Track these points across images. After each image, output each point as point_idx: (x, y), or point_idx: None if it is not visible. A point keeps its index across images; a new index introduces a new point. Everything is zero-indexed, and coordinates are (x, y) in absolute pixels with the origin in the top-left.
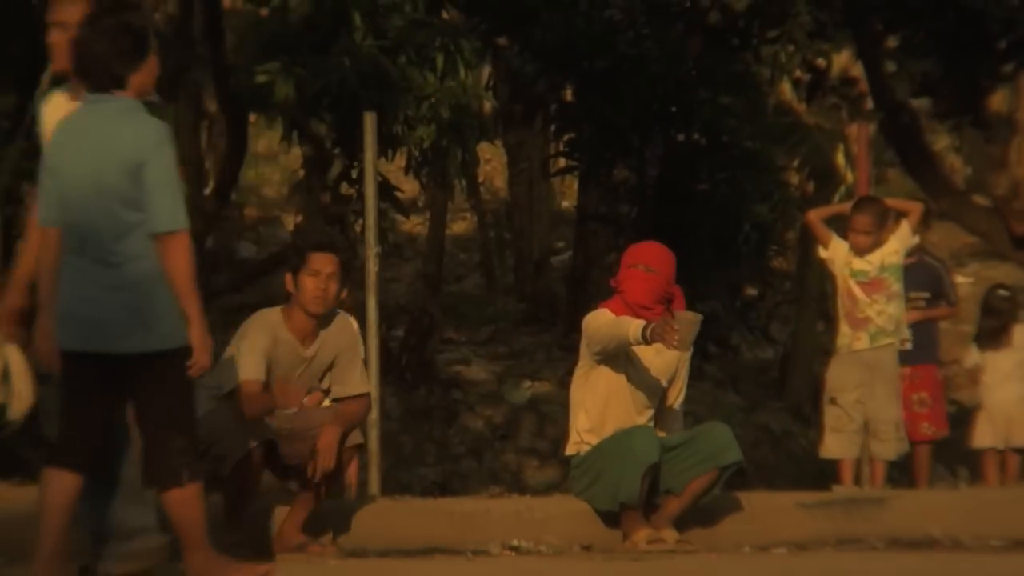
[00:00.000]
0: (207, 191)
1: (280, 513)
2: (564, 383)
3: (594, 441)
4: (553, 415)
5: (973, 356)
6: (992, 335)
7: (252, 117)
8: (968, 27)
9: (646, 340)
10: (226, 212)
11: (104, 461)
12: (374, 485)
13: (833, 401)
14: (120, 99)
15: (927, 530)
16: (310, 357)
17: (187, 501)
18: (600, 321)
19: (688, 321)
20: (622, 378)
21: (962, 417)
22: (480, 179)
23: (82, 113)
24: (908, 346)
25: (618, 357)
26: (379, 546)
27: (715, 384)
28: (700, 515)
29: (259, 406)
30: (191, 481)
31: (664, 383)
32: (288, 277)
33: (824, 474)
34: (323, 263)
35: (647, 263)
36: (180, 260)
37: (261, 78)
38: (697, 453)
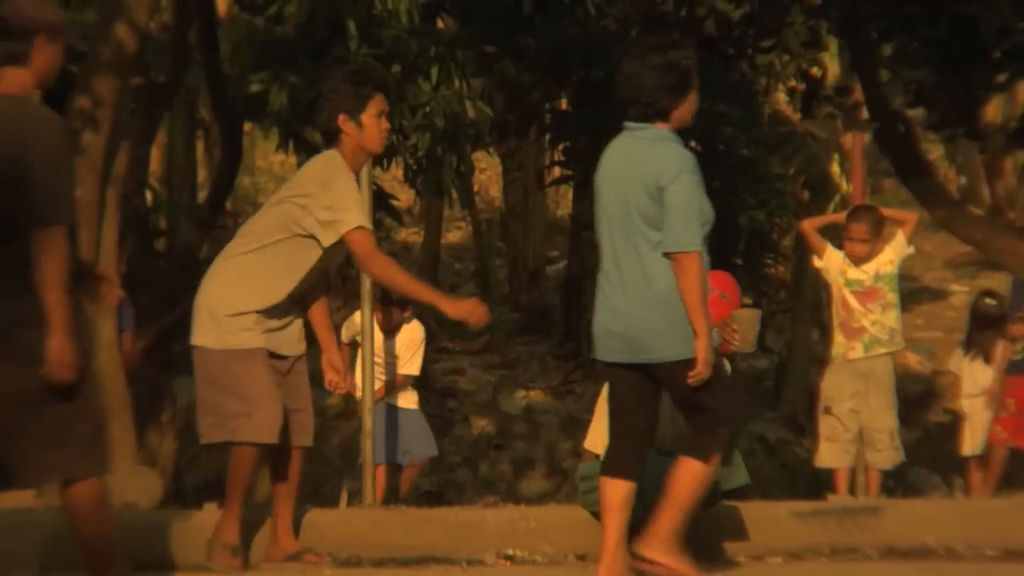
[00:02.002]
0: (201, 200)
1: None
2: (559, 393)
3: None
4: (548, 424)
5: (954, 364)
6: (978, 344)
7: (247, 126)
8: (962, 36)
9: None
10: (221, 221)
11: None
12: (369, 494)
13: (828, 410)
14: (657, 129)
15: (922, 539)
16: None
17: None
18: None
19: (747, 319)
20: None
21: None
22: (475, 188)
23: (623, 139)
24: (1018, 357)
25: None
26: (374, 555)
27: None
28: (695, 525)
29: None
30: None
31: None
32: (341, 117)
33: (819, 483)
34: (384, 103)
35: (722, 290)
36: (691, 279)
37: (256, 87)
38: None
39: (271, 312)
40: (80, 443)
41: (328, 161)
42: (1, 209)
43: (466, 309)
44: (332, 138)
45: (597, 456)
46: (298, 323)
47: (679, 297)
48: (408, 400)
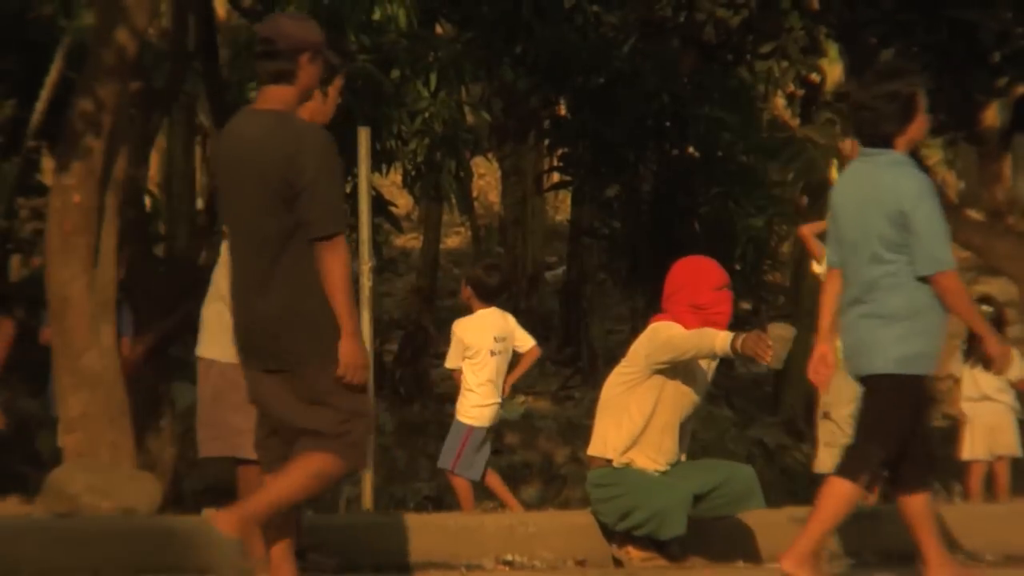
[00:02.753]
0: (200, 206)
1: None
2: (558, 398)
3: (630, 448)
4: (547, 430)
5: (954, 369)
6: (977, 349)
7: None
8: (961, 41)
9: (736, 352)
10: (219, 227)
11: None
12: (368, 500)
13: (827, 416)
14: (892, 154)
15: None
16: None
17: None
18: (676, 331)
19: (782, 337)
20: (676, 384)
21: (956, 430)
22: (474, 194)
23: (857, 165)
24: None
25: (678, 367)
26: (373, 561)
27: (709, 399)
28: (694, 530)
29: None
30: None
31: (705, 389)
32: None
33: (818, 489)
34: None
35: (728, 282)
36: (956, 295)
37: (255, 93)
38: (722, 496)
39: None
40: (353, 438)
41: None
42: (270, 220)
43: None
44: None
45: (608, 461)
46: None
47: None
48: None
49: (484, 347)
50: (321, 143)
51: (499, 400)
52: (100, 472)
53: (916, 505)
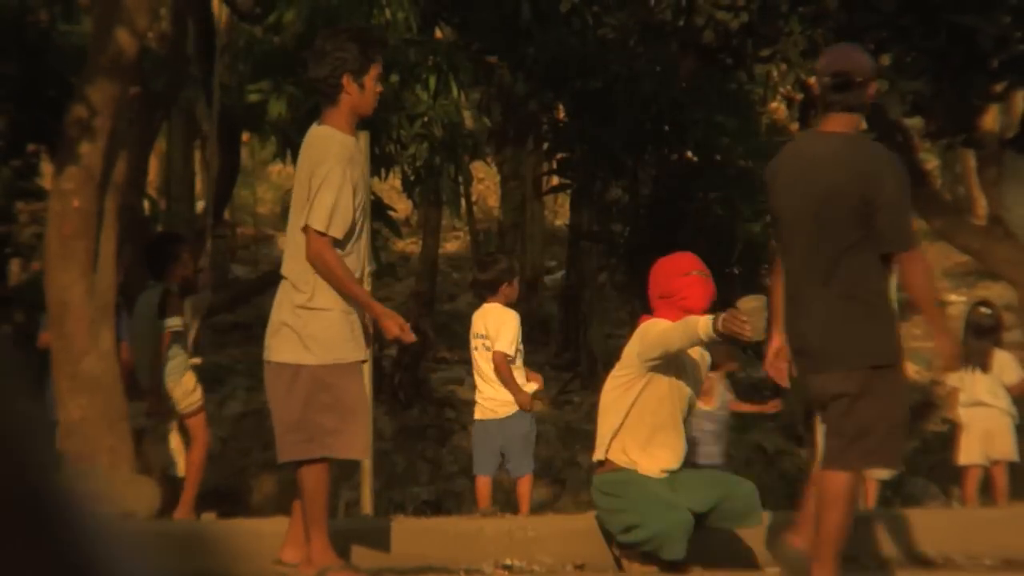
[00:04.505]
0: (200, 209)
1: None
2: (557, 403)
3: (634, 450)
4: (546, 434)
5: (952, 377)
6: (975, 354)
7: (246, 135)
8: (960, 46)
9: (718, 334)
10: (219, 231)
11: None
12: (367, 504)
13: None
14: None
15: (920, 549)
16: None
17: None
18: (662, 327)
19: (753, 308)
20: (671, 380)
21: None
22: (473, 198)
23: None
24: None
25: (670, 362)
26: (372, 565)
27: None
28: (694, 537)
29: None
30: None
31: (700, 382)
32: (346, 77)
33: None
34: (381, 67)
35: (699, 268)
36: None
37: (254, 96)
38: (721, 512)
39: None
40: (874, 439)
41: (323, 139)
42: (839, 231)
43: (394, 325)
44: (331, 97)
45: (613, 465)
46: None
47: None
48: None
49: (472, 341)
50: (895, 163)
51: (492, 396)
52: (99, 476)
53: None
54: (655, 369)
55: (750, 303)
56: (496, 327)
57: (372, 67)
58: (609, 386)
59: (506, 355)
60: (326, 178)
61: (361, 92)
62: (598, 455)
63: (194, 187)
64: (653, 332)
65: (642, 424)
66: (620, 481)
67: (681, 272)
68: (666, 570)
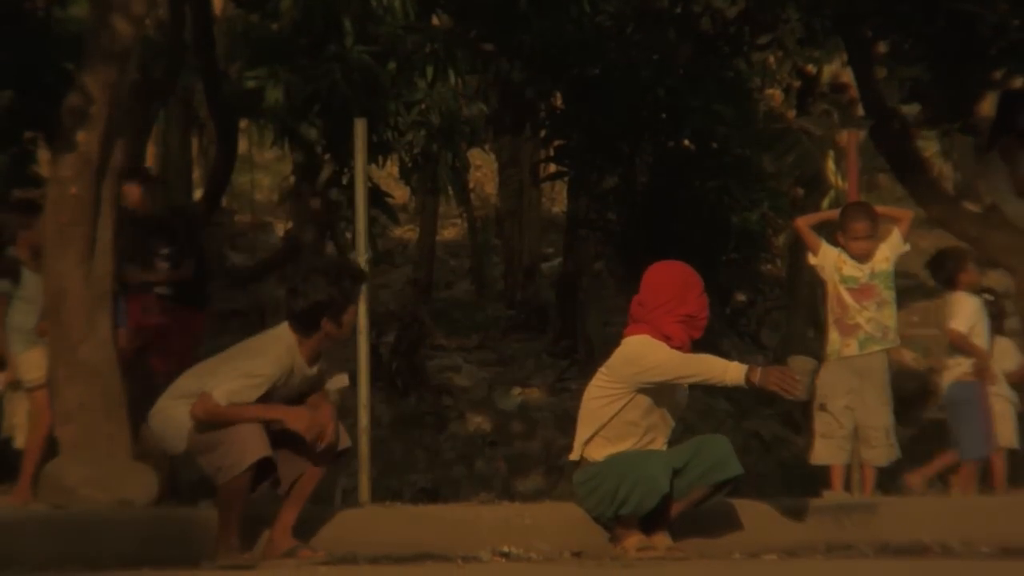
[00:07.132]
0: (197, 197)
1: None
2: (554, 390)
3: (612, 450)
4: (543, 421)
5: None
6: None
7: (243, 123)
8: (958, 33)
9: (752, 386)
10: (217, 218)
11: None
12: (364, 492)
13: (823, 407)
14: None
15: (917, 536)
16: (312, 375)
17: None
18: (664, 355)
19: (807, 371)
20: (661, 393)
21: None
22: (470, 185)
23: None
24: None
25: (664, 387)
26: (369, 552)
27: (705, 391)
28: (691, 522)
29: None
30: None
31: (686, 396)
32: (325, 321)
33: (814, 480)
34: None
35: (703, 285)
36: None
37: (251, 84)
38: (699, 467)
39: None
40: None
41: (276, 340)
42: None
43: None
44: (306, 331)
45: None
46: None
47: None
48: None
49: None
50: None
51: None
52: (97, 464)
53: None
54: (645, 392)
55: (803, 364)
56: None
57: (350, 306)
58: (594, 393)
59: None
60: (252, 370)
61: (338, 329)
62: (575, 455)
63: (191, 175)
64: (653, 360)
65: (626, 433)
66: (597, 466)
67: (699, 292)
68: (649, 531)
